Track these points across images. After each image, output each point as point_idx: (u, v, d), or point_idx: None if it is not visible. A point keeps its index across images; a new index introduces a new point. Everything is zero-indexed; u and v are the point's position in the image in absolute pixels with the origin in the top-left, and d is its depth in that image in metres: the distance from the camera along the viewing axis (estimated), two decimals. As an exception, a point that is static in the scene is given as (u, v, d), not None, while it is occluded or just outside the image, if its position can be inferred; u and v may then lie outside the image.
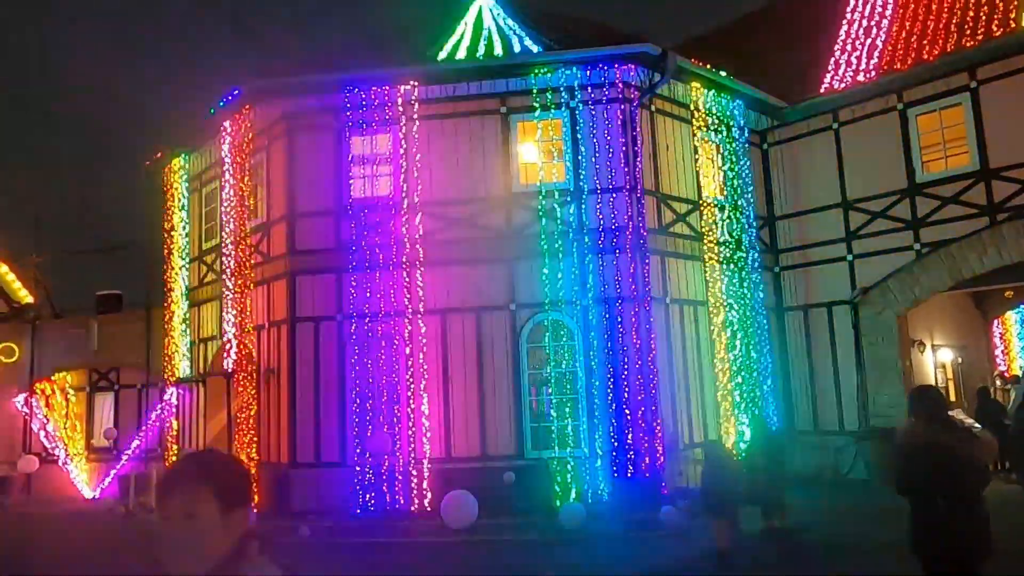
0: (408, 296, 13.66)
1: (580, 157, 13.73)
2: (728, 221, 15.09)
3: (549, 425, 13.21)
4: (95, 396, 18.98)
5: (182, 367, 16.71)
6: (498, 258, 13.65)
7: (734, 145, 15.52)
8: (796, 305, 16.14)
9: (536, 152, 14.15)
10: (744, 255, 15.13)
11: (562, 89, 13.76)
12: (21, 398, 18.66)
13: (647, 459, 12.68)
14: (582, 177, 13.65)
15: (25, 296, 19.52)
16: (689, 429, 13.75)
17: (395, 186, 14.06)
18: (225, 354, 15.15)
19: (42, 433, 18.53)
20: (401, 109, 14.04)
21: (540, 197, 13.71)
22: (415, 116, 14.03)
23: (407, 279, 13.71)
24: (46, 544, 12.41)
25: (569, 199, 13.66)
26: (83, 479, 18.26)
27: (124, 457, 17.26)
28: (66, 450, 18.47)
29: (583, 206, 13.59)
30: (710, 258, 14.59)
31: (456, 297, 13.66)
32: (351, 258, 13.81)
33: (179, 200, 17.52)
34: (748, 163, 15.73)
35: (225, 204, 15.46)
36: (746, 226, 15.34)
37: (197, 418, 16.63)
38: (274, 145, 14.76)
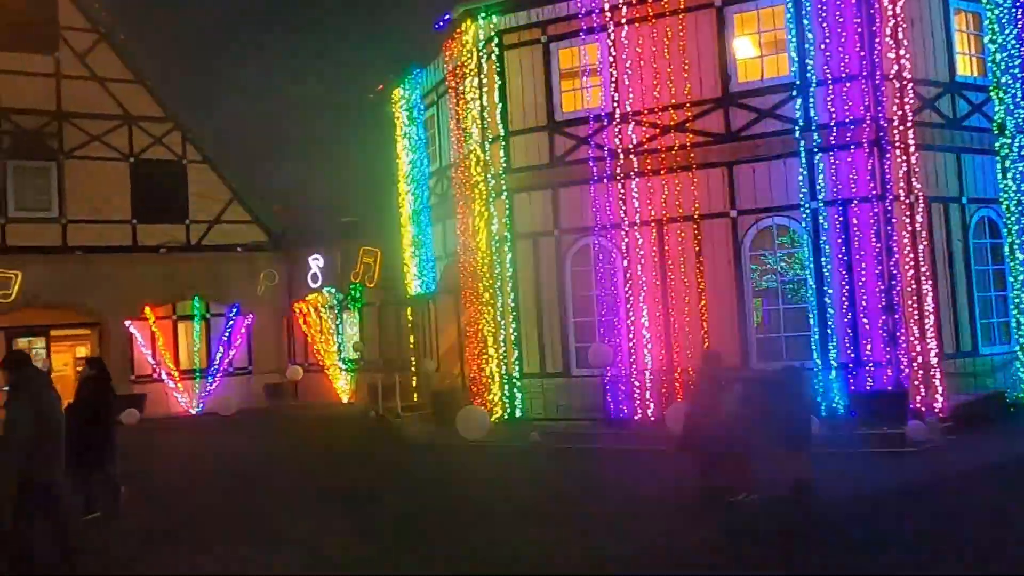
0: (623, 208, 13.53)
1: (807, 46, 12.50)
2: (989, 103, 13.10)
3: (776, 336, 12.65)
4: (343, 314, 21.16)
5: (415, 286, 18.04)
6: (716, 163, 13.03)
7: (996, 12, 13.28)
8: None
9: (755, 46, 13.12)
10: (1008, 141, 13.11)
11: (785, -29, 12.49)
12: (285, 317, 21.29)
13: (889, 371, 11.75)
14: (809, 68, 12.47)
15: (277, 226, 21.99)
16: (941, 340, 12.47)
17: (605, 96, 13.79)
18: (452, 272, 16.10)
19: (304, 346, 21.12)
20: (608, 15, 13.59)
21: (761, 94, 12.76)
22: (623, 20, 13.53)
23: (621, 191, 13.56)
24: (323, 438, 14.25)
25: (794, 93, 12.58)
26: (339, 386, 20.64)
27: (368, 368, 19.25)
28: (322, 361, 20.91)
29: (811, 100, 12.46)
30: (965, 148, 12.83)
31: (672, 206, 13.30)
32: (567, 172, 13.89)
33: (402, 128, 18.55)
34: (1015, 32, 13.40)
35: (444, 127, 16.10)
36: (1011, 108, 13.22)
37: (431, 332, 17.98)
38: (486, 65, 15.02)
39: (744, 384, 8.58)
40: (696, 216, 13.12)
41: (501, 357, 14.35)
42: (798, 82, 12.53)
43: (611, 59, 13.64)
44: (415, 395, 17.99)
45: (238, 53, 27.12)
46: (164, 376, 19.81)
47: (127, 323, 19.54)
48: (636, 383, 13.18)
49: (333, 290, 20.55)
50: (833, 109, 12.24)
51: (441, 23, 15.36)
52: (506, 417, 13.99)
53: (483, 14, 14.39)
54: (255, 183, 22.02)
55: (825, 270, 12.30)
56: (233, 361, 20.68)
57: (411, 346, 18.51)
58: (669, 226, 13.34)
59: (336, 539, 7.31)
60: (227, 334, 20.47)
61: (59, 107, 19.56)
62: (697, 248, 13.13)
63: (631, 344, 13.39)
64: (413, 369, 18.30)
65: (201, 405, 19.85)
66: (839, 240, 12.23)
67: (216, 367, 20.29)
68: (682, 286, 13.20)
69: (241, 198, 21.57)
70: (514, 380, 14.18)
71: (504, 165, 14.46)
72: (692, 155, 13.12)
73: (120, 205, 20.07)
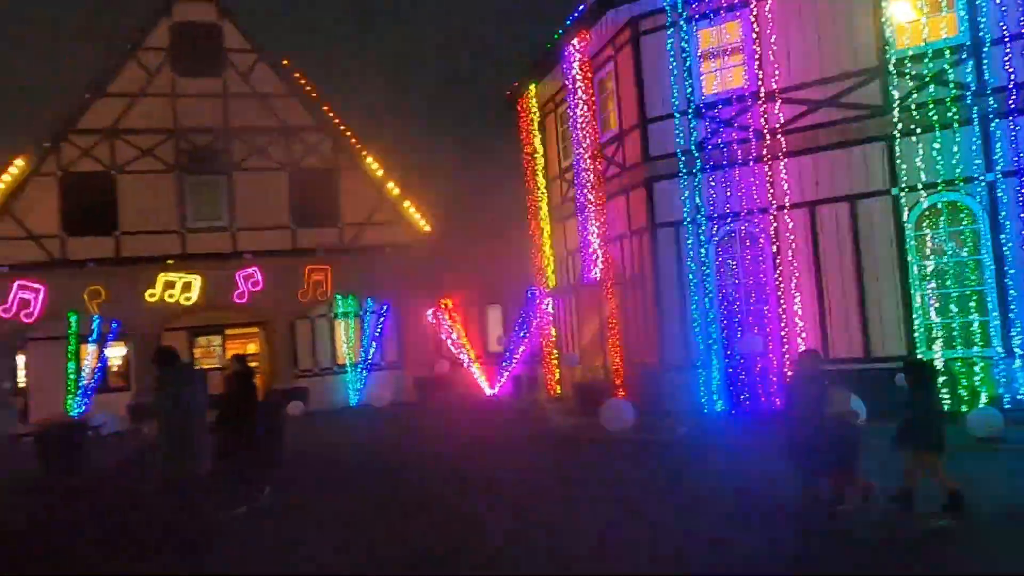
0: (771, 191, 12.91)
1: (978, 2, 11.38)
2: None
3: (949, 322, 11.61)
4: (487, 308, 21.65)
5: (556, 278, 18.12)
6: (874, 137, 12.14)
7: None
8: None
9: (915, 8, 12.09)
10: None
11: (949, -78, 11.43)
12: (430, 312, 22.06)
13: (1088, 359, 10.48)
14: (981, 27, 11.34)
15: (424, 225, 22.80)
16: None
17: (749, 75, 13.22)
18: (592, 264, 16.03)
19: (448, 341, 21.79)
20: (750, -11, 13.01)
21: (924, 60, 11.75)
22: (766, -6, 12.90)
23: (769, 173, 12.94)
24: (468, 428, 14.63)
25: (964, 56, 11.48)
26: (483, 379, 21.14)
27: (514, 360, 19.54)
28: (468, 355, 21.49)
29: (983, 62, 11.32)
30: None
31: (825, 187, 12.54)
32: (708, 157, 13.46)
33: (537, 123, 18.68)
34: None
35: (579, 120, 16.05)
36: None
37: (572, 324, 18.01)
38: (621, 53, 14.83)
39: (841, 385, 7.57)
40: (853, 196, 12.30)
41: (644, 348, 14.11)
42: (969, 43, 11.43)
43: (754, 36, 13.05)
44: (558, 387, 18.09)
45: (377, 57, 28.35)
46: (324, 371, 21.10)
47: (290, 321, 20.97)
48: (789, 374, 12.54)
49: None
50: (1012, 69, 11.07)
51: (576, 14, 15.31)
52: (650, 409, 13.75)
53: (619, 1, 14.18)
54: (402, 185, 22.92)
55: (1005, 248, 11.14)
56: (385, 356, 21.69)
57: (553, 338, 18.62)
58: (822, 208, 12.59)
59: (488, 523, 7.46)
60: (379, 330, 21.49)
61: (226, 124, 21.29)
62: (854, 230, 12.31)
63: (783, 334, 12.76)
64: (555, 361, 18.41)
65: (357, 398, 20.97)
66: (1022, 215, 11.05)
67: (369, 362, 21.36)
68: (838, 272, 12.43)
69: (389, 200, 22.55)
70: (658, 370, 13.91)
71: (643, 153, 14.21)
72: (847, 131, 12.31)
73: (280, 212, 21.56)
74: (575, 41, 15.83)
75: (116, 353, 20.26)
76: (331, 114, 22.13)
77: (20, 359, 19.51)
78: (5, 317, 18.59)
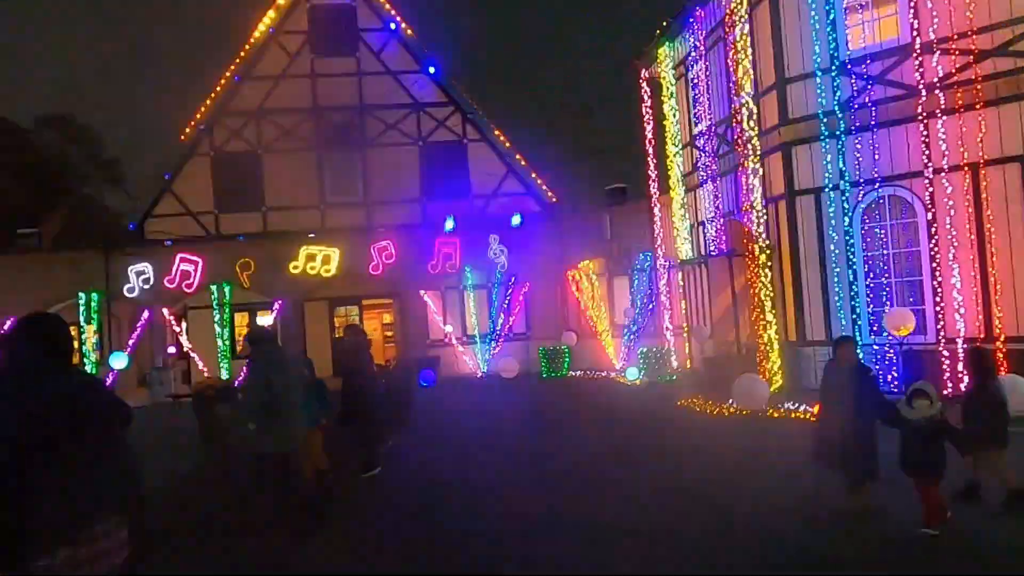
0: (927, 152, 11.79)
1: None
2: None
3: None
4: (613, 280, 21.32)
5: (684, 249, 17.54)
6: (1053, 89, 10.77)
7: None
8: None
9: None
10: None
11: None
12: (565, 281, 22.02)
13: None
14: None
15: (551, 197, 22.70)
16: None
17: (902, 25, 12.07)
18: (723, 234, 15.36)
19: (576, 313, 21.69)
20: (905, -70, 11.80)
21: (1119, -4, 10.24)
22: (924, -66, 11.66)
23: (924, 133, 11.81)
24: (595, 400, 14.56)
25: None
26: (611, 351, 20.91)
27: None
28: (595, 326, 21.31)
29: None
30: None
31: (992, 146, 11.29)
32: (854, 118, 12.46)
33: (668, 89, 18.02)
34: None
35: (710, 84, 15.31)
36: None
37: (702, 297, 17.38)
38: (756, 10, 13.94)
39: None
40: (1024, 156, 11.02)
41: (781, 323, 13.41)
42: None
43: (909, -19, 11.86)
44: (688, 361, 17.58)
45: (505, 34, 28.34)
46: (454, 341, 21.63)
47: (422, 292, 21.60)
48: (945, 353, 11.52)
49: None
50: None
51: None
52: (786, 387, 13.09)
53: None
54: (528, 157, 22.90)
55: None
56: (513, 327, 21.91)
57: (682, 312, 18.07)
58: (988, 169, 11.36)
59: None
60: (507, 301, 21.72)
61: (361, 101, 22.03)
62: (1025, 193, 11.04)
63: (938, 309, 11.71)
64: (685, 335, 17.88)
65: (486, 368, 21.35)
66: None
67: (497, 332, 21.65)
68: (1006, 240, 11.21)
69: (516, 171, 22.63)
70: (797, 347, 13.19)
71: (781, 116, 13.37)
72: (1019, 82, 11.00)
73: (411, 186, 22.15)
74: (705, 2, 15.06)
75: (263, 321, 21.66)
76: (459, 88, 22.39)
77: (182, 325, 21.29)
78: (170, 287, 20.31)
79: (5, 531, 2.73)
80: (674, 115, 18.02)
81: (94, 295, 19.94)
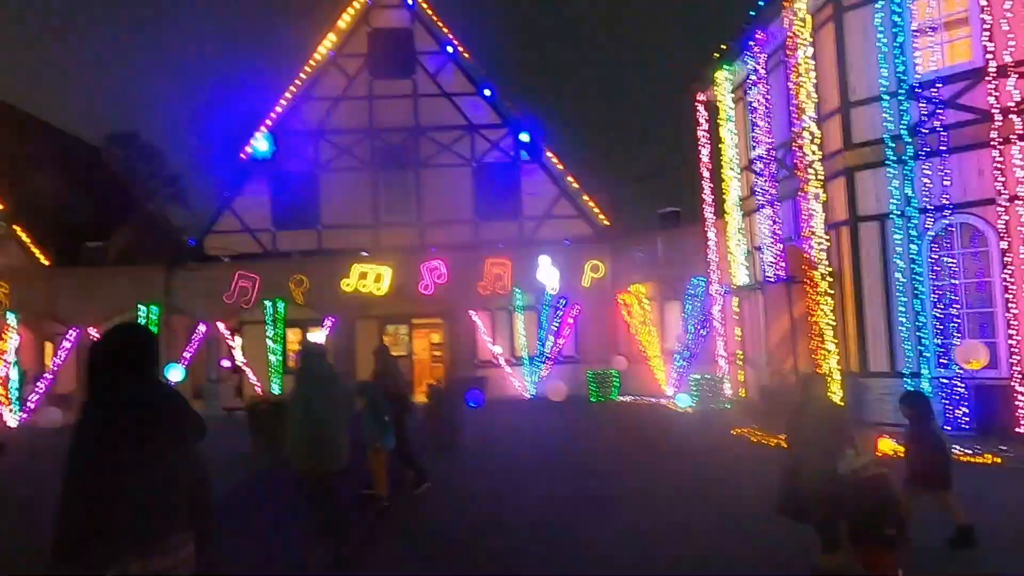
0: (1002, 179, 11.32)
1: None
2: None
3: None
4: (665, 305, 21.00)
5: (740, 275, 17.18)
6: None
7: None
8: None
9: None
10: None
11: None
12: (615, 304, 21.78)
13: None
14: None
15: (603, 219, 22.55)
16: None
17: (975, 47, 11.67)
18: (781, 260, 14.99)
19: (626, 337, 21.40)
20: (979, -50, 11.47)
21: None
22: (999, -46, 11.30)
23: (999, 159, 11.35)
24: (644, 425, 14.26)
25: None
26: (661, 377, 20.54)
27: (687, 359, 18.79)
28: (646, 351, 20.98)
29: None
30: None
31: (1072, 174, 10.78)
32: (922, 143, 12.06)
33: (725, 112, 17.77)
34: None
35: (770, 107, 15.04)
36: None
37: (758, 325, 16.96)
38: (820, 33, 13.67)
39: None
40: (1108, 183, 10.48)
41: (841, 353, 12.96)
42: None
43: (984, 2, 11.48)
44: (743, 390, 17.13)
45: (561, 57, 28.44)
46: (502, 362, 21.53)
47: (471, 313, 21.59)
48: (1020, 389, 10.95)
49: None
50: None
51: (768, -5, 14.33)
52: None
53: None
54: (581, 180, 22.83)
55: None
56: (562, 350, 21.72)
57: (737, 339, 17.67)
58: (1067, 198, 10.84)
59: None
60: (556, 324, 21.56)
61: (416, 122, 22.32)
62: (1110, 223, 10.49)
63: (1012, 342, 11.16)
64: (740, 363, 17.45)
65: (534, 390, 21.18)
66: None
67: (546, 355, 21.49)
68: (1086, 271, 10.66)
69: (568, 194, 22.58)
70: (859, 378, 12.72)
71: (844, 140, 13.03)
72: (1102, 107, 10.51)
73: (464, 207, 22.27)
74: (766, 25, 14.83)
75: (315, 337, 21.92)
76: (514, 110, 22.50)
77: (238, 340, 21.68)
78: (228, 303, 20.73)
79: (81, 533, 2.72)
80: (731, 138, 17.74)
81: (153, 308, 20.47)
